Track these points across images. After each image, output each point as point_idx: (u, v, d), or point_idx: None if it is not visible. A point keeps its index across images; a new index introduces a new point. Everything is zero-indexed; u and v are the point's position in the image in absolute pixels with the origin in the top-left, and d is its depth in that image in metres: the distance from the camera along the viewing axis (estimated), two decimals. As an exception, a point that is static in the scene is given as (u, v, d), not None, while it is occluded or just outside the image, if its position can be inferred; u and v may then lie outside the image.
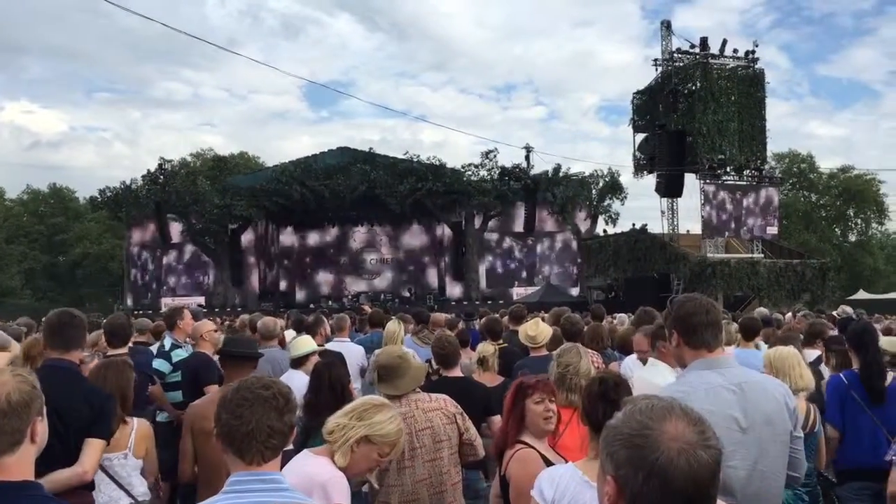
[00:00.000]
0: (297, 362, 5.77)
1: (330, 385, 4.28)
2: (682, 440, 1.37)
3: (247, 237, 40.16)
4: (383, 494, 3.93)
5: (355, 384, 7.24)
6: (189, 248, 40.21)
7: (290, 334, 8.81)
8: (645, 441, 1.38)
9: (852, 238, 60.61)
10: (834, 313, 11.98)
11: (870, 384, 4.84)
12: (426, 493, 3.91)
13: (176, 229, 39.71)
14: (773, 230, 34.04)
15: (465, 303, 35.64)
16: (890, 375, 4.93)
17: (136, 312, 32.78)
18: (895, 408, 4.78)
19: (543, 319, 7.68)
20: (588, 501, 2.65)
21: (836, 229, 60.23)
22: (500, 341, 7.33)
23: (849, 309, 12.83)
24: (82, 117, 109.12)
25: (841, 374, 5.10)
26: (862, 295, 44.20)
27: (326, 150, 40.44)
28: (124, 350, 5.84)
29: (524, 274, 40.54)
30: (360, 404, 3.19)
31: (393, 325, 7.54)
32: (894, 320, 13.62)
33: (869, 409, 4.80)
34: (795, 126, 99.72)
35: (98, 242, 61.05)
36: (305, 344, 5.94)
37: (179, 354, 6.65)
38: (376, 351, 7.43)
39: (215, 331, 6.45)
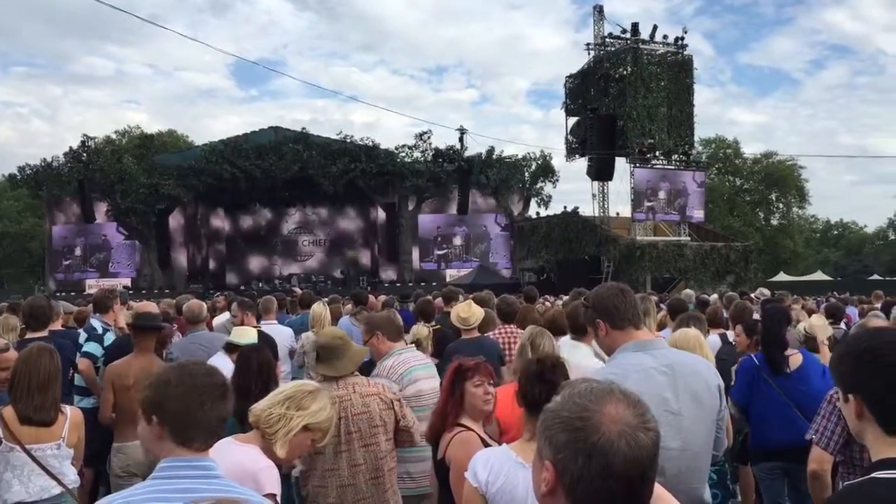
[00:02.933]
0: (231, 348, 5.62)
1: (258, 369, 4.23)
2: (622, 422, 1.36)
3: (175, 217, 39.17)
4: (318, 479, 3.87)
5: (284, 366, 7.16)
6: (114, 229, 39.00)
7: (225, 316, 8.64)
8: (585, 424, 1.36)
9: (774, 222, 62.58)
10: (752, 295, 12.34)
11: (768, 356, 4.98)
12: (363, 478, 3.87)
13: (100, 209, 38.45)
14: (699, 214, 34.94)
15: (398, 284, 35.57)
16: (799, 356, 5.06)
17: (58, 294, 31.74)
18: (799, 383, 4.91)
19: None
20: (521, 483, 2.66)
21: (759, 213, 62.08)
22: (433, 323, 7.33)
23: (766, 291, 13.25)
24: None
25: (752, 356, 5.23)
26: (782, 277, 45.80)
27: (258, 130, 39.66)
28: (44, 333, 5.64)
29: (457, 256, 40.66)
30: (295, 392, 3.12)
31: (318, 308, 7.47)
32: (812, 301, 14.14)
33: (779, 388, 4.91)
34: (719, 112, 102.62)
35: (17, 222, 58.74)
36: (248, 335, 5.77)
37: (111, 338, 6.51)
38: (303, 334, 7.40)
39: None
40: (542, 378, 3.00)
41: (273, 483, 2.86)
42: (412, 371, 4.71)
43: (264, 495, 2.65)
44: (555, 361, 3.15)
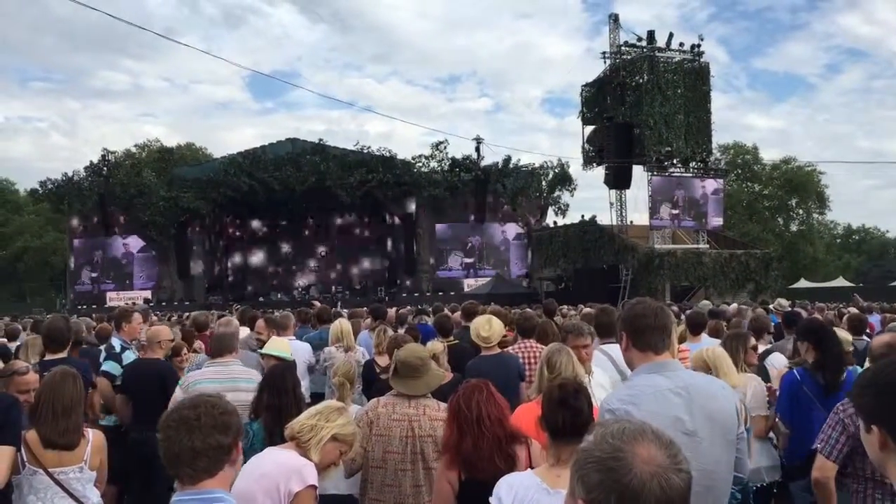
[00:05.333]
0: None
1: (293, 389, 4.30)
2: (654, 463, 1.38)
3: (194, 229, 39.44)
4: (376, 492, 3.93)
5: (303, 382, 7.17)
6: (134, 241, 39.34)
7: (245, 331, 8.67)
8: (618, 464, 1.38)
9: (794, 228, 61.99)
10: (771, 306, 12.19)
11: (830, 376, 4.89)
12: (424, 499, 3.91)
13: (121, 222, 38.85)
14: (718, 221, 34.69)
15: (415, 294, 35.61)
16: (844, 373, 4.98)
17: (80, 308, 32.02)
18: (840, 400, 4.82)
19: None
20: None
21: (779, 219, 61.54)
22: (451, 338, 7.32)
23: (784, 301, 13.10)
24: (17, 108, 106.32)
25: (794, 370, 5.16)
26: (803, 283, 45.39)
27: (275, 142, 39.87)
28: (63, 354, 5.69)
29: (475, 265, 40.62)
30: (324, 408, 3.48)
31: (345, 324, 7.50)
32: (834, 310, 13.98)
33: (821, 405, 4.84)
34: (734, 118, 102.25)
35: (39, 236, 59.38)
36: (284, 347, 5.82)
37: (129, 357, 6.55)
38: (326, 349, 7.42)
39: (171, 340, 6.59)
40: (565, 404, 2.99)
41: (314, 477, 3.17)
42: (196, 384, 5.20)
43: (307, 486, 3.09)
44: (577, 387, 3.13)
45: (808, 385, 4.93)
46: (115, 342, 6.72)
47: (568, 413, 2.93)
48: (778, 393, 5.14)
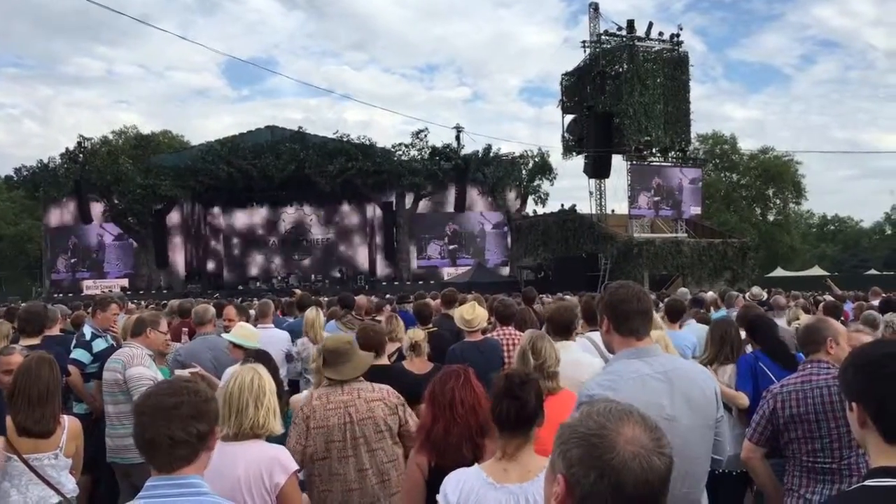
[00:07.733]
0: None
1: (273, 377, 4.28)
2: (637, 444, 1.38)
3: (172, 217, 39.09)
4: (325, 483, 3.90)
5: (281, 370, 7.14)
6: (111, 229, 38.94)
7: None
8: (601, 441, 1.38)
9: (770, 217, 62.56)
10: (746, 294, 12.29)
11: (781, 360, 5.09)
12: (370, 482, 3.90)
13: (97, 209, 38.41)
14: (696, 210, 34.94)
15: (395, 283, 35.59)
16: None
17: (55, 295, 31.69)
18: None
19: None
20: (492, 503, 2.66)
21: (756, 209, 62.07)
22: (430, 325, 7.31)
23: (758, 290, 13.20)
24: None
25: (751, 353, 5.37)
26: (779, 272, 45.86)
27: (254, 129, 39.60)
28: (37, 340, 5.60)
29: (455, 254, 40.64)
30: (242, 395, 3.27)
31: (311, 314, 7.45)
32: (810, 297, 14.13)
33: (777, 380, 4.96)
34: (711, 108, 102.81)
35: (14, 223, 58.61)
36: (252, 337, 5.78)
37: (100, 345, 6.45)
38: (299, 340, 7.40)
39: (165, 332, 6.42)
40: (511, 394, 2.87)
41: (293, 461, 3.20)
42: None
43: (291, 474, 3.10)
44: (524, 378, 2.99)
45: (764, 362, 5.08)
46: (87, 330, 6.62)
47: (513, 404, 2.82)
48: (737, 371, 5.29)
